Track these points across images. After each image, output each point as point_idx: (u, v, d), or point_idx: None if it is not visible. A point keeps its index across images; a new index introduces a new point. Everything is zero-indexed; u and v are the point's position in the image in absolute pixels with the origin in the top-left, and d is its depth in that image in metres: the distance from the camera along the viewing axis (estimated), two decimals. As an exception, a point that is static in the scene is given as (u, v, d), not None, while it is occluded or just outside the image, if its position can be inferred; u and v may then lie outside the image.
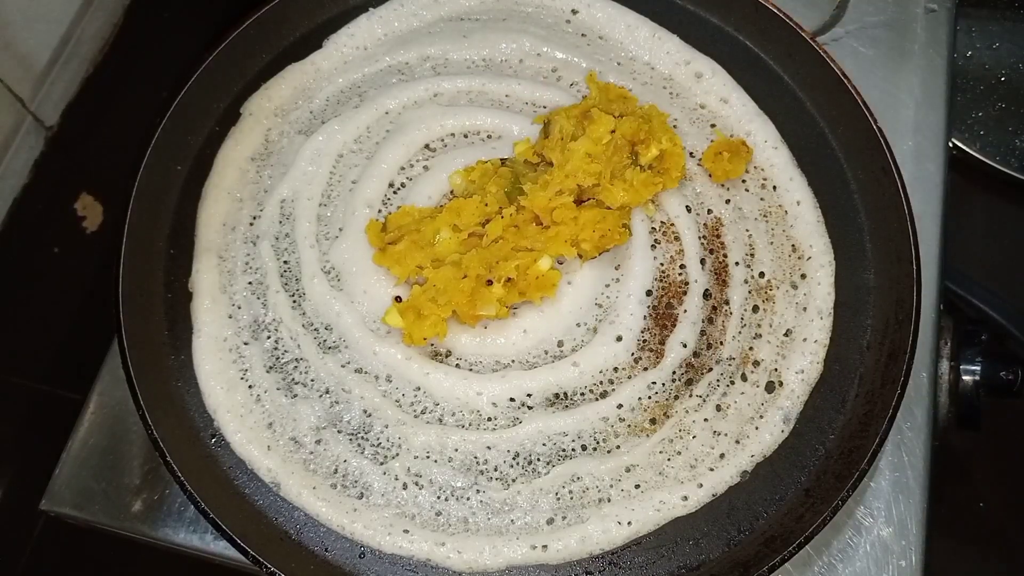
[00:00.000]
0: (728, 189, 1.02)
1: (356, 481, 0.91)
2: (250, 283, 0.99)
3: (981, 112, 1.42)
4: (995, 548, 1.38)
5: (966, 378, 1.05)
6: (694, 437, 0.93)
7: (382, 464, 0.92)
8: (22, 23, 0.98)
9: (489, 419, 0.93)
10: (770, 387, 0.95)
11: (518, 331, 0.96)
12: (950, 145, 1.15)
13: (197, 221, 1.02)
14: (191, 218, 1.02)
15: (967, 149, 1.40)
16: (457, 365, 0.95)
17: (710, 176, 1.02)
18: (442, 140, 1.05)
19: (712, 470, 0.91)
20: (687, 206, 1.01)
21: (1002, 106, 1.43)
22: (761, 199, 1.02)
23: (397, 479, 0.91)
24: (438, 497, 0.91)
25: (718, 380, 0.95)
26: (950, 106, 1.17)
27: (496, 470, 0.92)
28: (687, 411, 0.93)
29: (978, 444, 1.37)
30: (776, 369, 0.95)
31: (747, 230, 1.00)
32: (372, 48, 1.10)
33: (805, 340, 0.96)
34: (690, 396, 0.94)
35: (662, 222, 1.00)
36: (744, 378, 0.95)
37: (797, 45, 1.05)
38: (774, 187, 1.03)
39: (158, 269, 1.00)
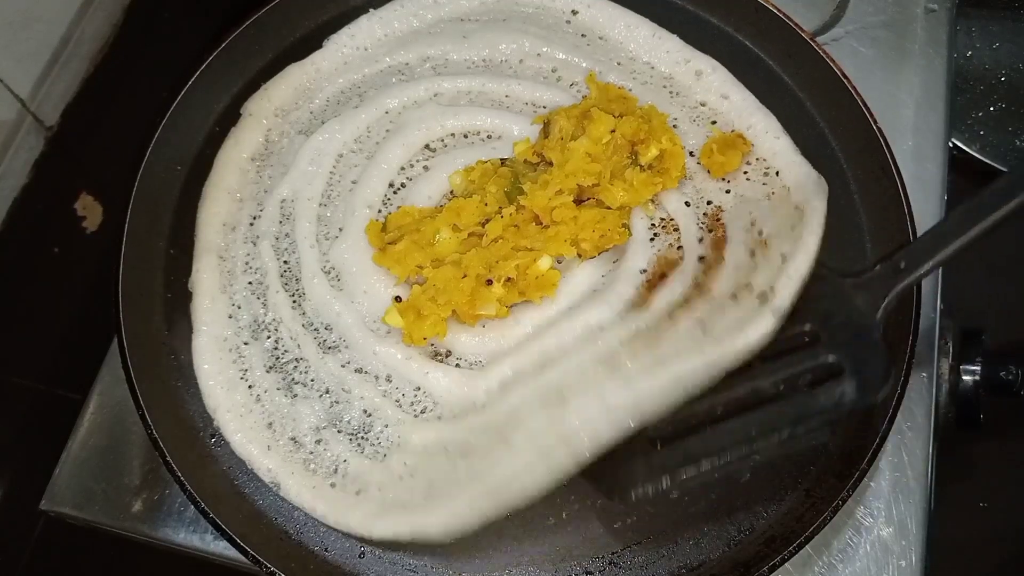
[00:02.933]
0: (728, 182, 1.02)
1: (356, 480, 0.91)
2: (250, 283, 0.99)
3: (981, 112, 1.42)
4: (995, 548, 1.38)
5: (966, 378, 1.05)
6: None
7: (382, 463, 0.92)
8: (22, 23, 0.98)
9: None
10: (762, 297, 0.90)
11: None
12: (950, 145, 1.15)
13: (197, 221, 1.02)
14: (191, 218, 1.02)
15: (967, 149, 1.40)
16: (457, 364, 0.95)
17: (709, 173, 1.02)
18: (442, 140, 1.05)
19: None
20: (686, 202, 1.00)
21: (1002, 106, 1.43)
22: (764, 184, 1.01)
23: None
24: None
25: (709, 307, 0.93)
26: (950, 106, 1.17)
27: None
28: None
29: (978, 444, 1.37)
30: (772, 288, 0.91)
31: (750, 211, 0.99)
32: (372, 49, 1.10)
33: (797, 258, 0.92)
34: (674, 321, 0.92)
35: (661, 218, 1.00)
36: (735, 298, 0.92)
37: (797, 45, 1.05)
38: (777, 172, 1.01)
39: (158, 269, 1.00)
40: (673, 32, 1.09)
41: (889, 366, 0.85)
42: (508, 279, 0.94)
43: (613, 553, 0.89)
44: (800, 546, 0.85)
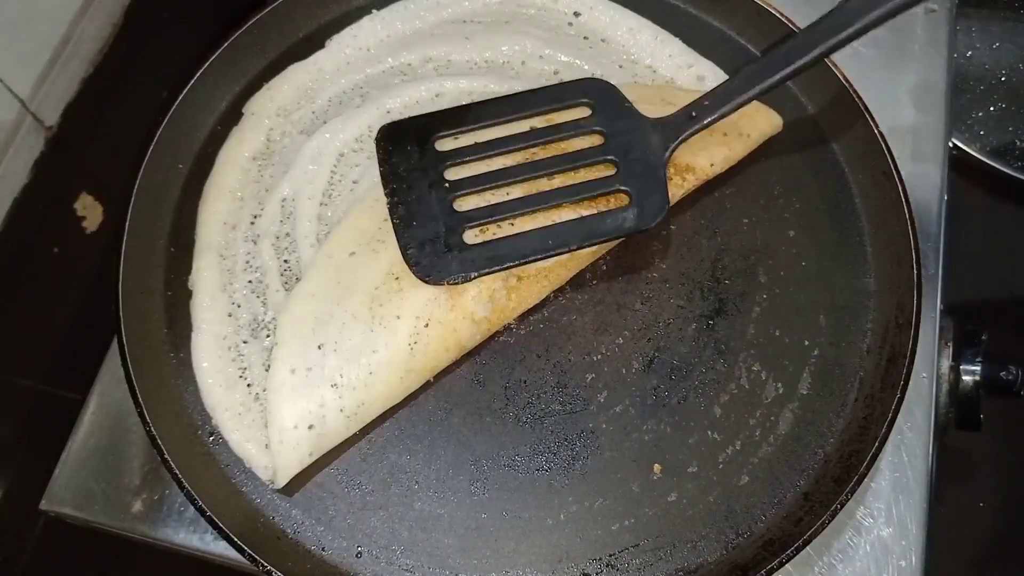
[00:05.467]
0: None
1: (353, 480, 0.92)
2: (250, 282, 0.99)
3: (981, 112, 1.42)
4: (995, 548, 1.38)
5: (966, 378, 1.05)
6: None
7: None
8: (22, 23, 0.98)
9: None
10: None
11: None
12: (950, 145, 1.15)
13: (198, 219, 1.02)
14: (192, 216, 1.02)
15: (967, 149, 1.39)
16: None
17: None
18: (443, 140, 1.05)
19: None
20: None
21: (1002, 106, 1.43)
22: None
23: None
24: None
25: None
26: (950, 106, 1.16)
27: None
28: None
29: (978, 444, 1.37)
30: None
31: None
32: (375, 49, 1.10)
33: None
34: None
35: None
36: None
37: (798, 48, 1.05)
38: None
39: (158, 267, 1.00)
40: (675, 35, 1.09)
41: (665, 200, 0.94)
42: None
43: (610, 555, 0.89)
44: (798, 550, 0.85)
